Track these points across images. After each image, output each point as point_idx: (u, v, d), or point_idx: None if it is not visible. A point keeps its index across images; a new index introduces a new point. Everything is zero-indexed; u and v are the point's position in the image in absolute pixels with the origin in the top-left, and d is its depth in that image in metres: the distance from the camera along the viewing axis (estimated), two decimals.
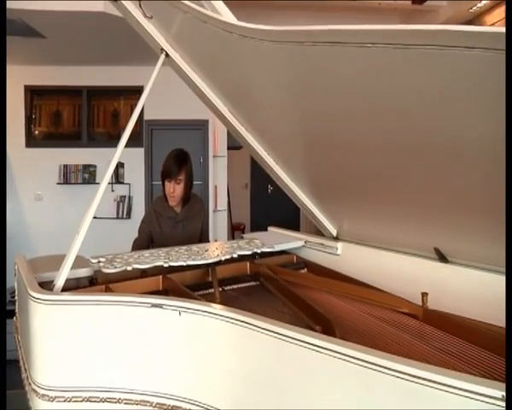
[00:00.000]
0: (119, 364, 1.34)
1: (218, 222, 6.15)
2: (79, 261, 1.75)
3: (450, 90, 1.05)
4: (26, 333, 1.45)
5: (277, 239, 2.31)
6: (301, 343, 1.07)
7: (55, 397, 1.31)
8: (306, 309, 1.58)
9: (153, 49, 1.83)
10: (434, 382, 0.85)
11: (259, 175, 8.68)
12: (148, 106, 5.75)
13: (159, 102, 5.66)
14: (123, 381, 1.33)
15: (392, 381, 0.90)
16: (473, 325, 1.39)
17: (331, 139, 1.63)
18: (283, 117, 1.69)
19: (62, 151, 5.89)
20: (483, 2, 5.07)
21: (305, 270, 2.18)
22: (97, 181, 5.67)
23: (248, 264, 2.08)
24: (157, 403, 1.32)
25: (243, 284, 1.95)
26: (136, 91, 5.53)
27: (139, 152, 5.89)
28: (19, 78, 5.78)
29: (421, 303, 1.58)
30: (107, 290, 1.66)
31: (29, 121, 5.94)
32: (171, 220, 2.51)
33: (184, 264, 1.78)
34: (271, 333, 1.13)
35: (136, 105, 1.70)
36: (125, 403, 1.33)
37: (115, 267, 1.68)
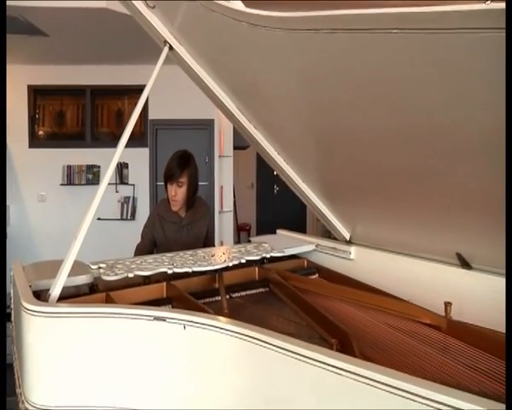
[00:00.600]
0: (118, 381, 1.24)
1: (223, 223, 6.06)
2: (78, 267, 1.66)
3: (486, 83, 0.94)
4: (20, 346, 1.35)
5: (287, 243, 2.20)
6: (319, 364, 0.96)
7: None
8: (320, 320, 1.48)
9: (158, 47, 1.73)
10: None
11: (265, 175, 8.62)
12: (153, 105, 5.69)
13: (163, 101, 5.60)
14: (123, 399, 1.23)
15: None
16: (502, 339, 1.27)
17: (346, 137, 1.53)
18: (295, 113, 1.58)
19: (66, 152, 5.84)
20: None
21: (317, 275, 2.07)
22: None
23: (257, 269, 1.98)
24: None
25: (251, 291, 1.85)
26: (141, 91, 5.33)
27: (143, 152, 5.83)
28: (22, 77, 5.73)
29: (443, 313, 1.47)
30: (108, 299, 1.56)
31: (32, 121, 5.87)
32: (176, 225, 2.42)
33: (190, 270, 1.69)
34: (285, 351, 1.02)
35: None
36: None
37: (116, 274, 1.59)
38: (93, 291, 1.66)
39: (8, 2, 2.39)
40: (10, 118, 5.60)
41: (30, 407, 1.22)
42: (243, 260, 1.85)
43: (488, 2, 0.74)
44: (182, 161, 2.38)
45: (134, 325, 1.20)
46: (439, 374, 1.16)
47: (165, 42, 1.61)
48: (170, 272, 1.67)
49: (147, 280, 1.72)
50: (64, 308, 1.23)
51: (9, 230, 5.76)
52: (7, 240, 5.70)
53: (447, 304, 1.46)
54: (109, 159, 1.56)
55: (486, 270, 1.56)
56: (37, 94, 5.90)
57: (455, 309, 1.46)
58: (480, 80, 0.93)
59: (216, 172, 5.91)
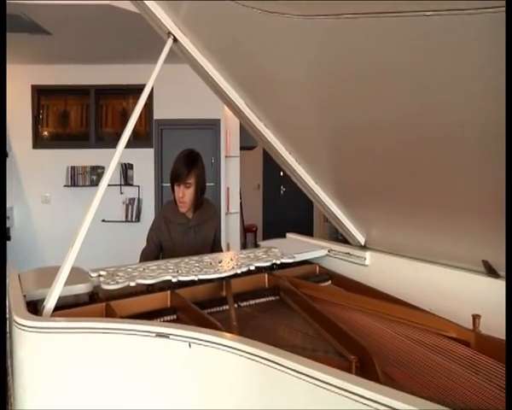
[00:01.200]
0: (118, 402, 1.13)
1: (230, 225, 5.96)
2: (77, 275, 1.57)
3: None
4: (13, 362, 1.25)
5: (297, 247, 2.09)
6: (340, 391, 0.85)
7: None
8: (336, 332, 1.37)
9: (164, 45, 1.62)
10: None
11: (272, 176, 8.54)
12: (158, 105, 5.61)
13: (169, 100, 5.53)
14: None
15: None
16: None
17: (362, 134, 1.44)
18: (308, 108, 1.48)
19: (70, 152, 5.79)
20: None
21: (329, 282, 1.96)
22: None
23: (266, 276, 1.88)
24: None
25: (261, 300, 1.74)
26: None
27: (149, 153, 5.75)
28: (26, 77, 5.69)
29: (468, 325, 1.35)
30: (108, 309, 1.46)
31: (36, 122, 5.81)
32: (182, 227, 2.31)
33: (195, 279, 1.59)
34: (299, 375, 0.91)
35: (146, 102, 1.50)
36: None
37: (117, 283, 1.49)
38: (93, 300, 1.56)
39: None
40: (14, 118, 5.55)
41: None
42: (252, 267, 1.74)
43: None
44: (189, 160, 2.28)
45: (134, 342, 1.09)
46: (472, 397, 1.05)
47: (169, 33, 1.50)
48: (174, 280, 1.56)
49: (150, 288, 1.63)
50: (57, 323, 1.13)
51: (13, 231, 5.70)
52: (11, 242, 5.64)
53: (476, 317, 1.34)
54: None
55: None
56: (40, 94, 5.84)
57: (482, 321, 1.35)
58: None
59: (222, 173, 5.82)
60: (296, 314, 1.62)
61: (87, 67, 5.59)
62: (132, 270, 1.63)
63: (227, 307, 1.58)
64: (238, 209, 6.18)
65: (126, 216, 5.78)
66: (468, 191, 1.34)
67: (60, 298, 1.33)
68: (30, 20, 3.97)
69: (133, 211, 5.77)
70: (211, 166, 5.69)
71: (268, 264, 1.83)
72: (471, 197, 1.35)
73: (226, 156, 5.88)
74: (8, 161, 5.55)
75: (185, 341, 1.05)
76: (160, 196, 5.82)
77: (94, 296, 1.58)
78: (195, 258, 1.82)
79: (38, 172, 5.74)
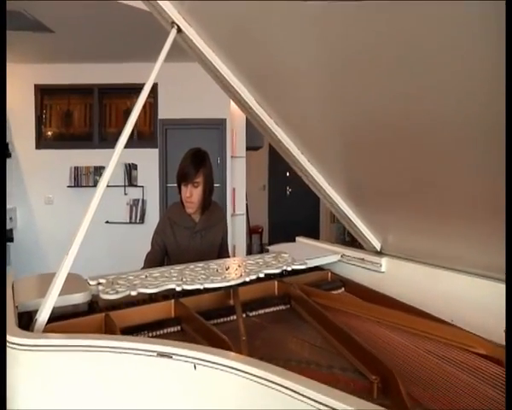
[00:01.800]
0: None
1: (236, 227, 5.86)
2: (75, 283, 1.47)
3: None
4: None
5: (308, 252, 1.98)
6: None
7: None
8: (353, 347, 1.26)
9: None
10: None
11: (278, 176, 8.44)
12: (163, 104, 5.52)
13: (173, 100, 5.44)
14: None
15: None
16: None
17: (378, 133, 1.33)
18: (321, 104, 1.38)
19: (73, 153, 5.72)
20: None
21: (343, 289, 1.85)
22: (109, 184, 5.41)
23: (276, 283, 1.77)
24: None
25: (271, 309, 1.63)
26: (150, 89, 5.28)
27: (153, 153, 5.67)
28: (29, 77, 5.62)
29: (499, 341, 1.24)
30: (107, 320, 1.36)
31: (39, 122, 5.73)
32: (189, 230, 2.21)
33: (201, 287, 1.48)
34: (317, 403, 0.80)
35: (148, 101, 1.40)
36: None
37: (117, 292, 1.38)
38: (92, 309, 1.47)
39: None
40: (17, 118, 5.49)
41: None
42: (261, 275, 1.63)
43: None
44: (197, 159, 2.19)
45: (134, 362, 0.99)
46: None
47: (173, 23, 1.40)
48: (178, 289, 1.46)
49: (153, 296, 1.53)
50: (49, 340, 1.02)
51: (16, 233, 5.63)
52: (13, 243, 5.57)
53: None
54: (118, 160, 1.39)
55: None
56: (44, 93, 5.77)
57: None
58: None
59: (228, 174, 5.72)
60: (308, 325, 1.51)
61: (90, 66, 5.51)
62: (134, 277, 1.53)
63: (234, 317, 1.49)
64: (244, 211, 6.08)
65: (130, 217, 5.70)
66: (493, 194, 1.23)
67: (56, 308, 1.24)
68: (32, 17, 3.89)
69: (137, 212, 5.70)
70: (216, 166, 5.59)
71: (278, 271, 1.71)
72: (496, 201, 1.24)
73: (232, 157, 5.79)
74: (10, 161, 5.49)
75: (189, 361, 0.95)
76: (165, 197, 5.74)
77: (93, 305, 1.49)
78: (201, 264, 1.72)
79: (41, 172, 5.68)
